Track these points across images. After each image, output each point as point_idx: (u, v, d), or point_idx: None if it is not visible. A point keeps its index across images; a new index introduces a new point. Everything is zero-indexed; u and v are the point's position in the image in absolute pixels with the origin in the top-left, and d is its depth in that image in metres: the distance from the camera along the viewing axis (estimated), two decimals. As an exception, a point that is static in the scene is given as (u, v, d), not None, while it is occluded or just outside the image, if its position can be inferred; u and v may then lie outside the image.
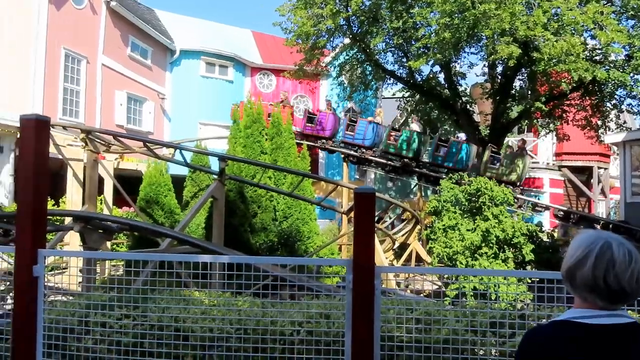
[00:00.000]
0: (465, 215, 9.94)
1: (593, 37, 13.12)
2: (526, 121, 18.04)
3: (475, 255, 9.04)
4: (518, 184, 15.72)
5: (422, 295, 11.62)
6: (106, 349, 3.13)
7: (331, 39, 18.67)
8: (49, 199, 16.86)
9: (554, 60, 11.58)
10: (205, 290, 3.92)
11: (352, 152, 19.27)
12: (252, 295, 3.97)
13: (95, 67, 19.26)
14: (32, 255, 2.90)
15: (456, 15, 12.08)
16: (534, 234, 9.72)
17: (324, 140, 18.36)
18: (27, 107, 16.36)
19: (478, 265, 8.91)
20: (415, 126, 19.11)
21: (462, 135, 19.20)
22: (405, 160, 16.94)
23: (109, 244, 11.29)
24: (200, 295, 3.93)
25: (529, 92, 16.31)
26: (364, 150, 17.92)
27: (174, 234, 5.86)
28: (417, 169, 17.58)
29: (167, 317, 3.24)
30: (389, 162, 17.14)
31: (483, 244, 9.08)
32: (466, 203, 9.98)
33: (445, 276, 10.08)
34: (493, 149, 15.78)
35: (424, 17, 12.74)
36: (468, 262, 8.87)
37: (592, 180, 23.94)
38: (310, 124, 18.25)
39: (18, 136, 15.92)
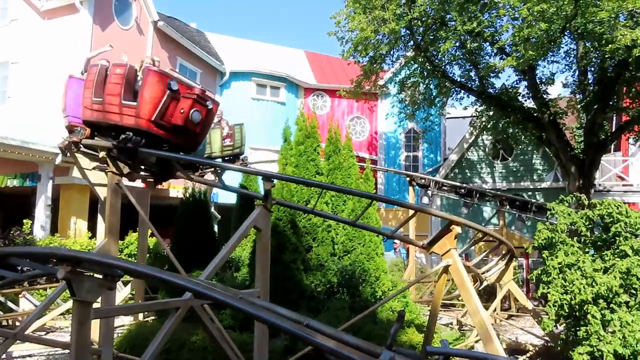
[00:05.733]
0: (587, 250, 7.51)
1: None
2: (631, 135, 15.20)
3: (612, 305, 6.56)
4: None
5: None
6: None
7: (392, 51, 16.80)
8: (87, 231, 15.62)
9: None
10: None
11: (416, 174, 17.10)
12: None
13: (140, 89, 18.21)
14: None
15: (552, 1, 9.84)
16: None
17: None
18: (69, 133, 15.34)
19: (617, 319, 6.43)
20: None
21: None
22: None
23: (127, 289, 9.57)
24: None
25: (636, 99, 13.63)
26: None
27: (191, 287, 3.90)
28: (495, 192, 15.14)
29: None
30: (464, 185, 14.74)
31: (621, 290, 6.60)
32: (587, 233, 7.55)
33: (562, 333, 7.62)
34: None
35: (512, 7, 10.53)
36: (605, 315, 6.41)
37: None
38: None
39: (56, 163, 14.87)
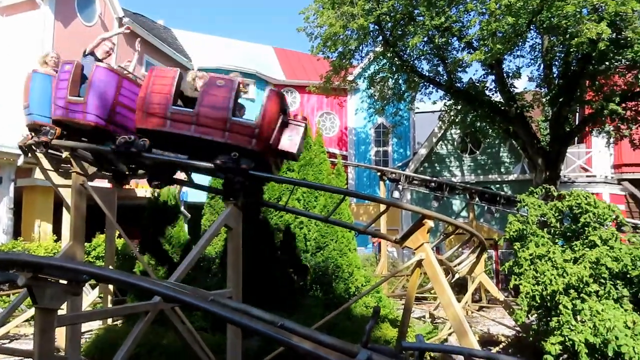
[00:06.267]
0: (556, 241, 7.63)
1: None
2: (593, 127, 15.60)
3: (582, 294, 6.67)
4: None
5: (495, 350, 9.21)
6: None
7: (360, 47, 16.76)
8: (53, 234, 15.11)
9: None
10: None
11: (386, 169, 17.20)
12: None
13: (105, 86, 17.69)
14: None
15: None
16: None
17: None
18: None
19: (587, 309, 6.54)
20: None
21: None
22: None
23: (94, 292, 9.28)
24: None
25: (599, 92, 13.96)
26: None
27: (160, 290, 3.76)
28: (464, 185, 15.35)
29: None
30: (434, 178, 14.86)
31: (591, 280, 6.72)
32: (557, 224, 7.67)
33: (533, 324, 7.73)
34: None
35: (480, 1, 10.64)
36: (576, 305, 6.51)
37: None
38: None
39: (19, 164, 14.31)
